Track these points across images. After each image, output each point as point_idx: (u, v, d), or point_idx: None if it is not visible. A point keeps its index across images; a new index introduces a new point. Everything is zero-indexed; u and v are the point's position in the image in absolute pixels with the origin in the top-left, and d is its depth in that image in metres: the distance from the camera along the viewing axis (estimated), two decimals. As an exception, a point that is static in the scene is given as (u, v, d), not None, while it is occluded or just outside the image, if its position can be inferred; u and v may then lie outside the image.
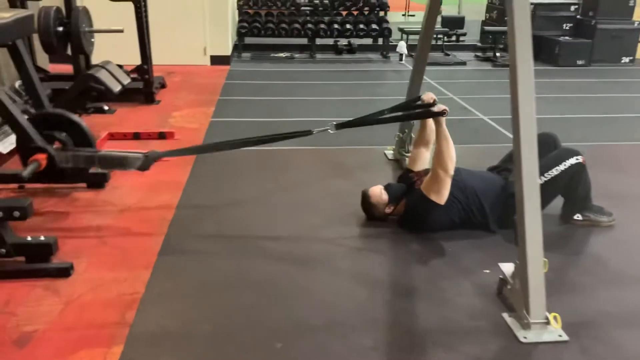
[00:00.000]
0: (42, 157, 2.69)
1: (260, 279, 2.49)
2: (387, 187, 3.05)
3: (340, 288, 2.43)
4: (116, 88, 3.87)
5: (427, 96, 3.10)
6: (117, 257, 2.66)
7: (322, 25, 8.33)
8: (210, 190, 3.45)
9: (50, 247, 2.55)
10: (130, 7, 5.33)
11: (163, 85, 6.18)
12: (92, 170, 3.35)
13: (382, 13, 8.98)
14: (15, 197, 3.27)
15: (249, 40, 8.62)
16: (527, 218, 2.16)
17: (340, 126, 2.90)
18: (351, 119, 3.18)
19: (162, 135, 4.45)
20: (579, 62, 8.11)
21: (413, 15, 12.87)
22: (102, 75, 3.83)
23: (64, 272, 2.49)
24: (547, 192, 2.88)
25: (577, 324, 2.18)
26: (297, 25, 8.29)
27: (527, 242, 2.15)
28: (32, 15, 3.01)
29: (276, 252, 2.74)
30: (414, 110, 3.22)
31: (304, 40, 9.04)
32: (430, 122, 3.16)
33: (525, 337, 2.11)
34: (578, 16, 8.42)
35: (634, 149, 4.48)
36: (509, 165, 3.12)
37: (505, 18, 8.94)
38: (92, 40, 4.97)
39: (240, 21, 8.29)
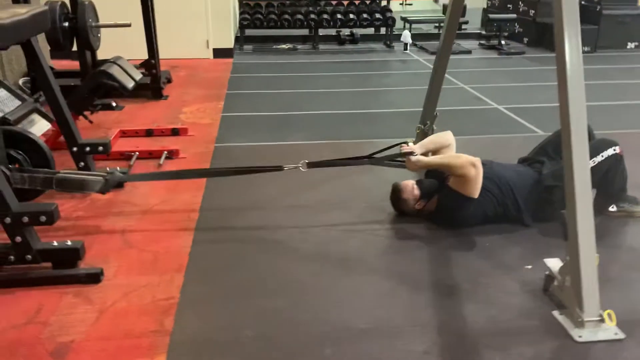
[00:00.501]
0: None
1: (298, 281, 2.41)
2: (420, 183, 2.97)
3: (380, 289, 2.36)
4: (129, 84, 3.76)
5: (408, 148, 2.94)
6: (147, 261, 2.57)
7: (325, 16, 8.21)
8: (231, 189, 3.36)
9: (77, 252, 2.46)
10: (132, 1, 5.21)
11: (169, 80, 6.06)
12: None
13: (384, 2, 8.86)
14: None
15: (249, 32, 8.49)
16: (578, 213, 2.10)
17: (312, 165, 2.96)
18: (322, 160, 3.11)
19: (175, 132, 4.35)
20: (585, 49, 8.01)
21: (411, 5, 12.74)
22: (115, 71, 3.71)
23: (94, 277, 2.40)
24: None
25: (632, 321, 2.12)
26: (299, 16, 8.16)
27: (580, 238, 2.08)
28: (47, 10, 2.89)
29: (310, 252, 2.66)
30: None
31: (305, 31, 8.93)
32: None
33: (580, 336, 2.04)
34: (583, 2, 8.33)
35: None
36: (540, 157, 3.05)
37: (508, 6, 8.89)
38: (99, 35, 4.84)
39: (241, 13, 8.16)
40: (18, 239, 2.37)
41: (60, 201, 3.12)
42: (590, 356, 1.97)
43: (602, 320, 2.07)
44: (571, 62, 2.14)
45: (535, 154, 3.11)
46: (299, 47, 8.63)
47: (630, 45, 8.24)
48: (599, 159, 2.77)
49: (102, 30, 5.02)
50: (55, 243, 2.46)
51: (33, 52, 2.91)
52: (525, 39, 8.65)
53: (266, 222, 2.95)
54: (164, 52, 6.56)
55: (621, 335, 2.04)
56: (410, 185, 2.96)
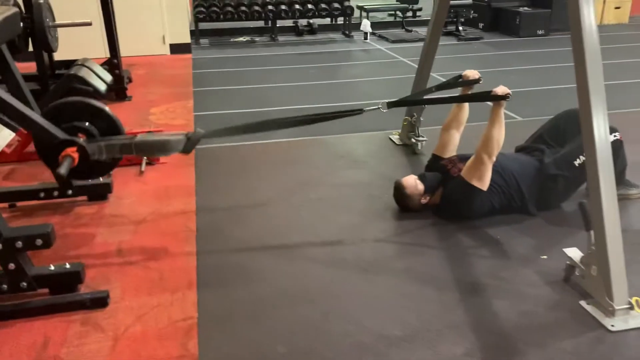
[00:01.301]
0: (72, 151, 2.35)
1: (319, 288, 2.32)
2: (422, 177, 2.93)
3: (405, 292, 2.30)
4: (102, 88, 3.51)
5: (471, 73, 3.02)
6: (152, 279, 2.41)
7: (283, 7, 8.04)
8: (225, 192, 3.21)
9: (77, 275, 2.28)
10: None
11: (130, 80, 5.77)
12: (92, 181, 3.07)
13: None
14: (8, 217, 2.92)
15: (203, 25, 8.22)
16: (604, 203, 2.09)
17: (392, 104, 2.84)
18: (399, 98, 3.07)
19: (150, 135, 4.12)
20: (539, 32, 8.24)
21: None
22: (86, 74, 3.46)
23: (101, 302, 2.22)
24: (584, 171, 2.82)
25: (656, 305, 2.15)
26: (257, 8, 7.96)
27: (606, 228, 2.09)
28: (18, 12, 2.65)
29: (323, 257, 2.56)
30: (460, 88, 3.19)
31: (261, 23, 8.74)
32: (467, 105, 3.08)
33: (612, 325, 2.05)
34: (534, -14, 8.54)
35: (627, 117, 4.56)
36: (539, 145, 3.06)
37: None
38: (57, 35, 4.53)
39: (196, 6, 7.87)
40: (11, 265, 2.17)
41: (44, 218, 2.92)
42: (626, 345, 1.98)
43: (631, 308, 2.09)
44: (589, 38, 2.09)
45: (533, 142, 3.12)
46: (257, 39, 8.44)
47: (580, 27, 8.48)
48: None
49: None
50: (52, 267, 2.27)
51: (3, 59, 2.67)
52: (481, 24, 8.78)
53: (270, 227, 2.83)
54: (121, 49, 6.25)
55: (651, 321, 2.07)
56: (413, 181, 2.91)
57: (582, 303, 2.19)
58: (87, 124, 2.49)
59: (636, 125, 3.99)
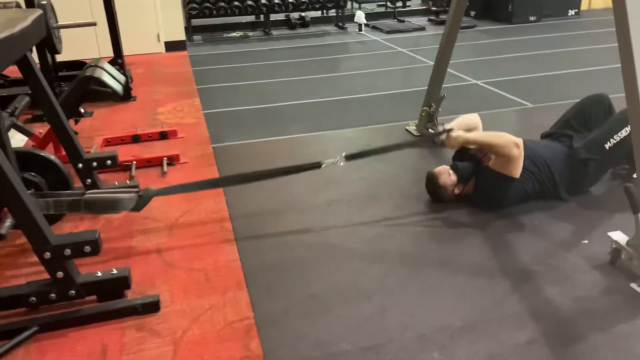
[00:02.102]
0: None
1: (370, 283, 2.31)
2: (454, 167, 2.93)
3: (455, 282, 2.30)
4: (119, 88, 3.45)
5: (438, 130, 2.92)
6: (199, 281, 2.38)
7: (277, 0, 7.97)
8: (252, 191, 3.17)
9: (125, 280, 2.24)
10: None
11: (131, 79, 5.67)
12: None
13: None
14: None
15: (195, 21, 8.11)
16: (654, 186, 2.11)
17: (351, 157, 2.86)
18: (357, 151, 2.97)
19: (164, 135, 4.07)
20: (531, 18, 8.30)
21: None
22: (102, 75, 3.39)
23: (153, 306, 2.19)
24: (615, 154, 2.88)
25: None
26: (250, 2, 7.88)
27: (657, 211, 2.11)
28: (43, 14, 2.58)
29: (366, 252, 2.56)
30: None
31: (251, 18, 8.67)
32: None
33: (667, 307, 2.08)
34: (524, -27, 8.58)
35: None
36: (567, 130, 3.08)
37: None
38: (60, 37, 4.44)
39: (189, 2, 7.76)
40: (60, 274, 2.12)
41: (73, 224, 2.86)
42: (684, 325, 2.01)
43: (682, 288, 2.13)
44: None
45: (560, 128, 3.14)
46: (250, 34, 8.37)
47: (571, 12, 8.58)
48: (623, 133, 2.81)
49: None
50: (99, 274, 2.22)
51: (29, 66, 2.60)
52: (472, 12, 8.81)
53: (306, 224, 2.82)
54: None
55: (703, 300, 2.10)
56: (446, 171, 2.91)
57: (634, 285, 2.21)
58: (37, 176, 2.44)
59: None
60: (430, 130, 3.81)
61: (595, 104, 3.09)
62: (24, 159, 2.39)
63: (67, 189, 2.57)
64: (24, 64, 2.58)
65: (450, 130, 2.79)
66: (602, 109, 3.08)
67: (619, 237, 2.35)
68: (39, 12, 2.55)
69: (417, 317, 2.09)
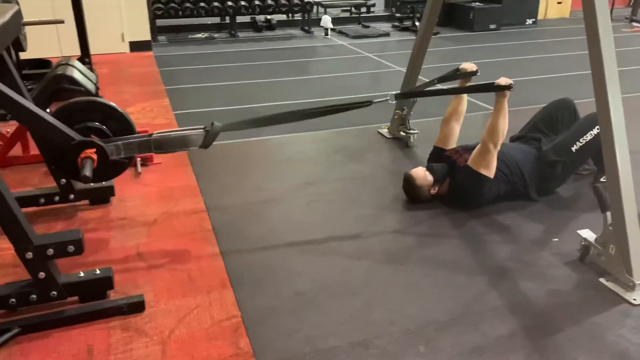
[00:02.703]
0: (91, 152, 2.26)
1: (356, 280, 2.36)
2: (430, 168, 3.01)
3: (438, 278, 2.38)
4: (93, 88, 3.39)
5: (469, 65, 3.13)
6: (182, 280, 2.37)
7: (243, 2, 7.96)
8: (231, 191, 3.19)
9: (108, 280, 2.21)
10: None
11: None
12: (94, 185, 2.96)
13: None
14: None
15: (160, 22, 8.00)
16: (622, 184, 2.24)
17: (401, 96, 3.02)
18: (406, 89, 3.17)
19: (135, 136, 4.00)
20: (492, 26, 8.57)
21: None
22: (75, 74, 3.32)
23: (138, 306, 2.17)
24: (581, 156, 3.03)
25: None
26: (216, 4, 7.84)
27: (625, 208, 2.23)
28: (19, 9, 2.52)
29: (349, 250, 2.60)
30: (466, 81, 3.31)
31: (217, 19, 8.63)
32: (465, 96, 3.19)
33: (634, 299, 2.21)
34: (484, -18, 8.86)
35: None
36: (535, 134, 3.22)
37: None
38: (25, 34, 4.31)
39: (154, 2, 7.66)
40: (41, 274, 2.07)
41: (47, 225, 2.80)
42: (650, 316, 2.14)
43: (648, 282, 2.26)
44: (603, 33, 2.22)
45: (529, 131, 3.27)
46: (216, 35, 8.32)
47: (529, 21, 8.91)
48: (595, 131, 2.96)
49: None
50: (82, 274, 2.19)
51: (4, 64, 2.53)
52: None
53: (287, 224, 2.84)
54: (76, 49, 5.96)
55: (666, 293, 2.24)
56: (422, 172, 3.00)
57: (602, 280, 2.34)
58: (100, 124, 2.41)
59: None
60: (402, 134, 3.90)
61: (561, 109, 3.25)
62: (86, 109, 2.34)
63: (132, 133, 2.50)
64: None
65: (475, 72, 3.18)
66: (568, 113, 3.23)
67: (588, 234, 2.47)
68: (16, 7, 2.50)
69: (402, 312, 2.15)
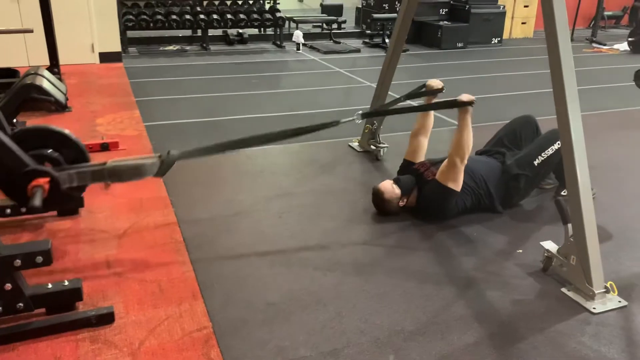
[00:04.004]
0: (44, 181, 2.23)
1: (325, 291, 2.39)
2: (397, 181, 3.08)
3: (406, 288, 2.42)
4: (62, 98, 3.37)
5: (435, 82, 3.21)
6: (152, 291, 2.36)
7: (215, 16, 7.99)
8: (202, 203, 3.19)
9: (77, 292, 2.19)
10: (11, 2, 4.64)
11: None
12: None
13: (269, 3, 8.83)
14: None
15: (131, 33, 7.96)
16: (582, 197, 2.33)
17: (366, 115, 2.94)
18: (371, 109, 3.27)
19: (105, 147, 3.98)
20: (459, 45, 8.79)
21: (279, 3, 12.80)
22: (44, 84, 3.30)
23: (107, 318, 2.15)
24: (543, 170, 3.14)
25: (623, 288, 2.42)
26: (188, 16, 7.85)
27: (585, 220, 2.33)
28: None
29: (319, 261, 2.63)
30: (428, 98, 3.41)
31: (188, 32, 8.62)
32: (432, 112, 3.27)
33: (594, 308, 2.30)
34: (452, 1, 9.09)
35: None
36: (499, 148, 3.33)
37: (384, 5, 9.25)
38: (-8, 41, 4.25)
39: (125, 14, 7.62)
40: (8, 286, 2.04)
41: (14, 236, 2.75)
42: (609, 324, 2.22)
43: (607, 292, 2.35)
44: (565, 61, 2.33)
45: (494, 146, 3.38)
46: (187, 48, 8.31)
47: (494, 40, 9.17)
48: (555, 146, 3.07)
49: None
50: (49, 285, 2.16)
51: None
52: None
53: (258, 235, 2.86)
54: (44, 58, 5.87)
55: (624, 302, 2.33)
56: (390, 185, 3.06)
57: (564, 290, 2.42)
58: (53, 151, 2.38)
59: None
60: (373, 147, 3.97)
61: (524, 125, 3.37)
62: (40, 136, 2.29)
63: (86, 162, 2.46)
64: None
65: (440, 90, 3.24)
66: (530, 129, 3.35)
67: (550, 246, 2.57)
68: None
69: (371, 322, 2.18)
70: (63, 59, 6.59)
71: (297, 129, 2.76)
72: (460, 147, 2.89)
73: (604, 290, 2.35)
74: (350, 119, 2.90)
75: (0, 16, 6.19)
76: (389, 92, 4.00)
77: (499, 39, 9.23)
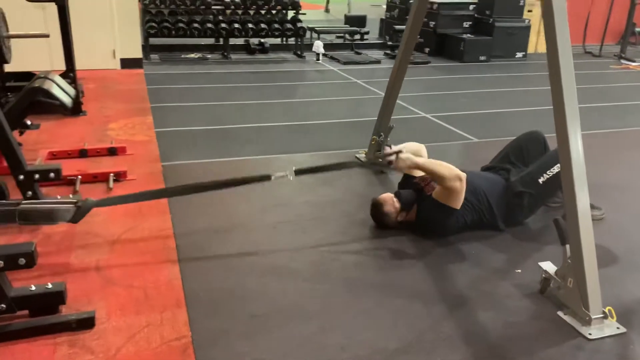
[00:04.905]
0: None
1: (311, 304, 2.34)
2: (398, 195, 3.02)
3: (394, 306, 2.36)
4: (68, 102, 3.41)
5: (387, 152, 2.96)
6: (137, 298, 2.35)
7: (236, 25, 8.06)
8: (199, 210, 3.18)
9: (60, 295, 2.19)
10: (35, 8, 4.73)
11: (82, 94, 5.58)
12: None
13: (293, 12, 8.86)
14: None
15: (153, 40, 8.08)
16: (580, 218, 2.25)
17: (300, 172, 2.87)
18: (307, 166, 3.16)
19: (112, 151, 4.01)
20: (481, 58, 8.68)
21: (304, 14, 12.85)
22: (51, 87, 3.35)
23: (87, 323, 2.14)
24: (549, 189, 3.04)
25: (624, 313, 2.31)
26: (210, 25, 7.93)
27: (582, 241, 2.24)
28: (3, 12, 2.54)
29: (309, 274, 2.59)
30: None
31: (211, 40, 8.71)
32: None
33: (590, 334, 2.19)
34: (476, 14, 8.99)
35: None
36: (504, 165, 3.24)
37: (407, 17, 9.25)
38: (10, 46, 4.34)
39: (147, 21, 7.74)
40: (-10, 287, 2.05)
41: (10, 237, 2.78)
42: (604, 351, 2.12)
43: (605, 317, 2.25)
44: (565, 60, 2.25)
45: (499, 162, 3.29)
46: (209, 56, 8.39)
47: (518, 54, 9.02)
48: (555, 169, 2.95)
49: None
50: (33, 287, 2.16)
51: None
52: (427, 49, 9.13)
53: (252, 245, 2.83)
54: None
55: (623, 329, 2.22)
56: (390, 198, 3.00)
57: (560, 313, 2.32)
58: None
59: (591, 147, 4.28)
60: (380, 159, 3.92)
61: (531, 141, 3.27)
62: None
63: (2, 199, 2.48)
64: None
65: (399, 152, 2.85)
66: (537, 146, 3.26)
67: (548, 267, 2.47)
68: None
69: (355, 339, 2.13)
70: (85, 64, 6.74)
71: (228, 180, 2.89)
72: (442, 179, 2.79)
73: (602, 315, 2.24)
74: (283, 175, 2.82)
75: (26, 21, 6.30)
76: (399, 102, 3.94)
77: (523, 53, 9.08)
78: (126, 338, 2.09)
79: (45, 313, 2.18)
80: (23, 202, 2.40)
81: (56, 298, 2.19)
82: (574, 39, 10.22)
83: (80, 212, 2.45)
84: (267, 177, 2.81)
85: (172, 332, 2.13)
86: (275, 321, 2.22)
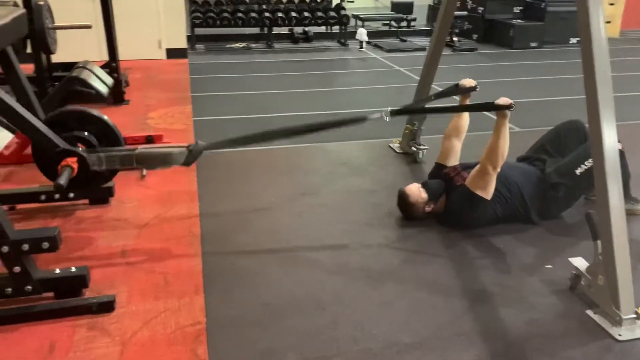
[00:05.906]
0: (72, 161, 2.34)
1: (327, 295, 2.31)
2: (425, 185, 2.94)
3: (413, 299, 2.30)
4: (104, 90, 3.50)
5: (467, 81, 3.05)
6: (158, 283, 2.39)
7: (280, 14, 8.06)
8: (227, 198, 3.21)
9: (83, 279, 2.25)
10: (85, 1, 4.88)
11: (127, 83, 5.73)
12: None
13: (337, 0, 8.79)
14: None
15: (199, 30, 8.21)
16: (612, 213, 2.11)
17: (395, 113, 2.81)
18: (403, 106, 3.15)
19: (150, 139, 4.10)
20: (532, 44, 8.34)
21: (352, 2, 12.73)
22: (88, 76, 3.44)
23: (108, 306, 2.20)
24: (587, 181, 2.86)
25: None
26: (254, 14, 7.97)
27: (614, 237, 2.11)
28: (25, 13, 2.63)
29: (329, 263, 2.56)
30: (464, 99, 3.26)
31: (256, 30, 8.76)
32: (467, 113, 3.11)
33: (620, 335, 2.07)
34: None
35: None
36: (540, 155, 3.10)
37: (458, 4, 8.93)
38: (55, 37, 4.50)
39: (193, 11, 7.86)
40: (17, 269, 2.13)
41: (44, 221, 2.89)
42: (634, 354, 1.99)
43: (637, 318, 2.11)
44: (598, 49, 2.12)
45: (535, 152, 3.15)
46: (253, 45, 8.45)
47: (573, 40, 8.61)
48: None
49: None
50: (57, 271, 2.24)
51: (9, 61, 2.64)
52: (475, 36, 8.86)
53: (274, 233, 2.83)
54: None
55: (657, 331, 2.09)
56: (416, 189, 2.92)
57: (589, 312, 2.20)
58: (87, 133, 2.48)
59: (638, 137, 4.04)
60: (413, 149, 3.83)
61: (570, 130, 3.11)
62: (73, 117, 2.44)
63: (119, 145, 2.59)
64: (3, 59, 2.63)
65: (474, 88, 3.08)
66: (576, 136, 3.09)
67: (579, 263, 2.34)
68: (22, 11, 2.62)
69: (368, 331, 2.09)
70: (131, 55, 6.94)
71: (323, 123, 2.76)
72: (493, 153, 2.71)
73: (634, 315, 2.11)
74: (378, 116, 2.78)
75: (77, 13, 6.55)
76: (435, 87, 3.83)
77: (578, 39, 8.63)
78: (143, 322, 2.13)
79: (70, 295, 2.25)
80: (140, 147, 2.50)
81: (79, 281, 2.25)
82: (626, 23, 9.62)
83: (192, 155, 2.49)
84: (362, 119, 2.74)
85: (188, 318, 2.16)
86: (287, 310, 2.21)
